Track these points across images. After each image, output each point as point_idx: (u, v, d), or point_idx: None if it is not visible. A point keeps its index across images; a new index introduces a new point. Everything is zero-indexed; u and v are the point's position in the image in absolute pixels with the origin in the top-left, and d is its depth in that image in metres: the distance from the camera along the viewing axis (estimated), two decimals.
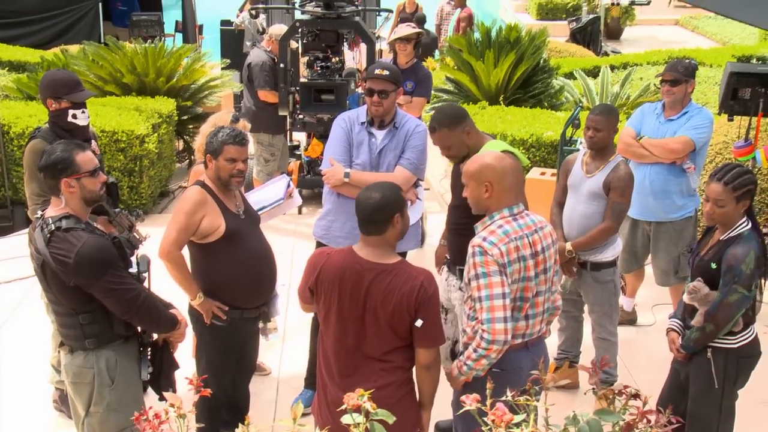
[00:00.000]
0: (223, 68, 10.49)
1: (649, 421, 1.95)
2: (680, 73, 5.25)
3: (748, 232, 3.62)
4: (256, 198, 4.66)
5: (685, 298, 3.73)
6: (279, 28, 7.71)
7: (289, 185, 4.79)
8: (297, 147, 8.55)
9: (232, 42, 11.83)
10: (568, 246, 4.63)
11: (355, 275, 3.17)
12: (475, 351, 3.22)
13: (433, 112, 4.24)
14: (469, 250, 3.25)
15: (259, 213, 4.38)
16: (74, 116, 4.27)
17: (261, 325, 4.21)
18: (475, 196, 3.35)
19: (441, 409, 4.32)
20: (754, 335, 3.75)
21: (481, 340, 3.19)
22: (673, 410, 2.12)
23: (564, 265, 4.70)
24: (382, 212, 3.17)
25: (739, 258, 3.55)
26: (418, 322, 3.14)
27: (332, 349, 3.28)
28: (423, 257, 7.12)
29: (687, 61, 5.43)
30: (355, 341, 3.22)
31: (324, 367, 3.36)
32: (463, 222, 4.11)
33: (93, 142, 4.48)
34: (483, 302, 3.19)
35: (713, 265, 3.65)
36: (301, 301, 3.43)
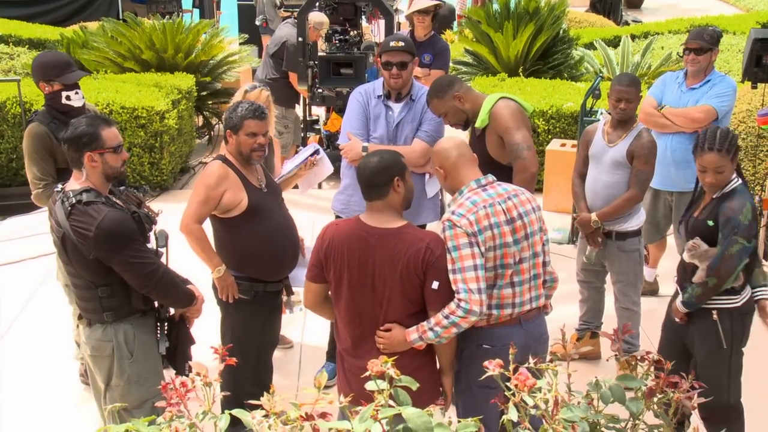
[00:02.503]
0: (240, 43, 10.50)
1: (672, 386, 1.96)
2: (705, 42, 5.19)
3: (740, 187, 3.66)
4: (286, 167, 4.70)
5: (685, 256, 3.76)
6: (318, 16, 7.64)
7: (317, 152, 4.77)
8: (316, 121, 8.54)
9: (250, 17, 11.82)
10: (593, 216, 4.62)
11: (360, 242, 3.20)
12: (447, 318, 3.14)
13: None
14: (439, 226, 3.28)
15: (281, 179, 4.41)
16: (68, 98, 4.28)
17: (285, 298, 4.25)
18: (440, 182, 3.48)
19: None
20: (751, 292, 3.82)
21: (457, 308, 3.13)
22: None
23: (589, 236, 4.70)
24: (381, 174, 3.19)
25: (736, 210, 3.59)
26: (435, 284, 3.15)
27: (345, 319, 3.30)
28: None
29: (711, 28, 5.36)
30: (367, 309, 3.24)
31: (340, 338, 3.39)
32: None
33: None
34: (456, 274, 3.16)
35: (710, 223, 3.68)
36: (307, 281, 3.39)
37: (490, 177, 3.38)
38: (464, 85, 4.33)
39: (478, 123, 4.22)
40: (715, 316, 3.71)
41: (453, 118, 4.32)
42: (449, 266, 3.18)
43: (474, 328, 3.25)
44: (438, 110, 4.33)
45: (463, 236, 3.16)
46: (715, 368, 3.74)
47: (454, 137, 3.61)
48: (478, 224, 3.19)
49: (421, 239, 3.19)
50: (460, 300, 3.14)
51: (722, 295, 3.71)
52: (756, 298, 3.84)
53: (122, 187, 3.95)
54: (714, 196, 3.69)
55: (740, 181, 3.68)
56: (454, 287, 3.17)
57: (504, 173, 3.92)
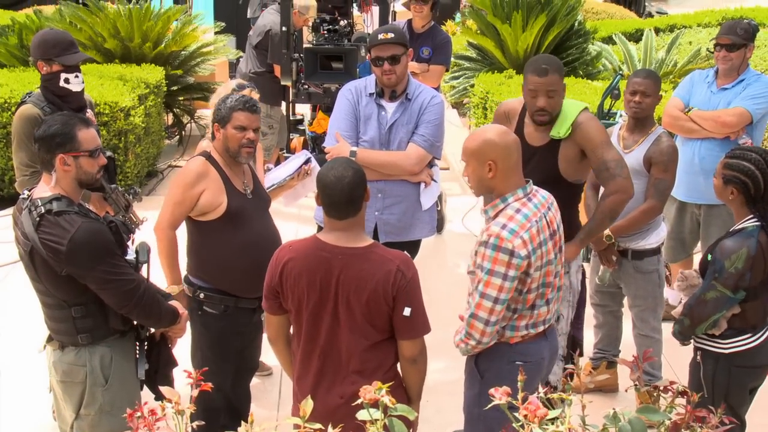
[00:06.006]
0: (216, 33, 10.51)
1: (699, 421, 1.98)
2: (739, 37, 5.23)
3: (752, 228, 3.57)
4: (275, 175, 4.72)
5: (674, 285, 3.83)
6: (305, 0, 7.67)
7: (309, 161, 4.80)
8: (301, 121, 8.54)
9: (227, 4, 11.85)
10: (607, 232, 4.64)
11: (322, 263, 3.16)
12: (457, 332, 3.38)
13: (535, 58, 4.20)
14: (483, 236, 3.26)
15: (270, 189, 4.45)
16: (66, 81, 4.34)
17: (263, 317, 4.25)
18: (477, 176, 3.35)
19: (454, 417, 4.37)
20: (756, 342, 3.66)
21: (462, 328, 3.34)
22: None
23: (602, 254, 4.71)
24: (361, 188, 3.17)
25: (725, 252, 3.53)
26: (406, 311, 3.15)
27: (304, 350, 3.28)
28: (442, 245, 7.15)
29: (746, 22, 5.39)
30: (329, 339, 3.22)
31: (297, 378, 3.36)
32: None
33: (89, 111, 4.56)
34: (475, 296, 3.28)
35: (709, 257, 3.65)
36: (266, 312, 3.39)
37: (531, 183, 3.39)
38: None
39: (561, 132, 4.06)
40: (698, 358, 3.73)
41: (557, 102, 4.06)
42: (473, 283, 3.30)
43: (507, 345, 3.37)
44: (555, 85, 4.03)
45: (502, 264, 3.19)
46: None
47: (506, 128, 3.51)
48: (532, 243, 3.23)
49: (391, 260, 3.17)
50: (463, 319, 3.31)
51: (707, 336, 3.68)
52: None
53: (113, 186, 3.96)
54: (730, 230, 3.67)
55: (757, 221, 3.57)
56: (467, 304, 3.30)
57: (565, 191, 3.94)
